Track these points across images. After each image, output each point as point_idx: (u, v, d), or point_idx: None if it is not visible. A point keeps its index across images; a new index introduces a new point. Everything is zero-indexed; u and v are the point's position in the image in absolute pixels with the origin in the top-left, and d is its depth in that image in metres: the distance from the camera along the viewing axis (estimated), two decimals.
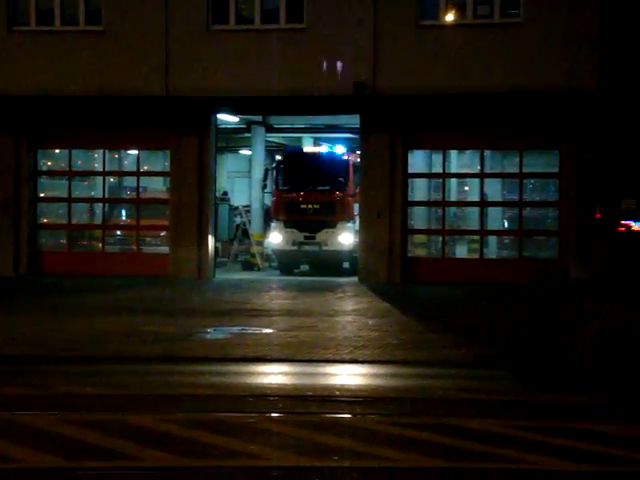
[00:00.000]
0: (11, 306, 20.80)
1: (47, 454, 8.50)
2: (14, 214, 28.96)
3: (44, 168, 30.77)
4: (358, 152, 29.83)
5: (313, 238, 30.25)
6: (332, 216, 30.14)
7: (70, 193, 30.13)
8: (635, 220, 32.22)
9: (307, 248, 30.41)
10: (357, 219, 29.91)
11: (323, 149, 32.72)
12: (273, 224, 31.07)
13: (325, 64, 27.18)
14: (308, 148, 33.91)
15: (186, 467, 8.26)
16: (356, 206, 30.14)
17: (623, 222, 31.42)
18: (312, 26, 27.43)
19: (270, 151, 36.37)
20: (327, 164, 30.88)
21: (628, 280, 26.50)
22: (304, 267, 32.18)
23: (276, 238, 30.65)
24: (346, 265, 30.67)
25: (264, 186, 32.14)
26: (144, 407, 10.58)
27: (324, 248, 30.20)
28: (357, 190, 29.94)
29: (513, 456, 8.55)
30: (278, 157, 32.01)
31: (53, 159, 31.27)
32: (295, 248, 30.39)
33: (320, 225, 30.10)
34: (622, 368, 13.56)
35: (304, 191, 30.46)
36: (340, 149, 31.72)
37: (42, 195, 30.26)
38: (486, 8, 27.21)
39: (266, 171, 31.99)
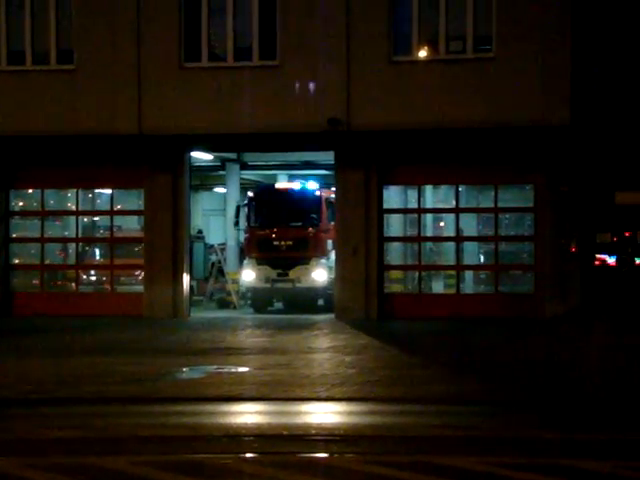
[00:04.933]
0: None
1: None
2: None
3: (16, 208, 30.52)
4: (332, 188, 29.75)
5: (286, 275, 30.01)
6: (305, 252, 29.94)
7: (43, 233, 29.88)
8: (610, 254, 32.32)
9: (280, 285, 30.14)
10: (331, 255, 29.76)
11: (295, 185, 32.58)
12: (246, 261, 30.83)
13: (298, 101, 27.15)
14: (279, 184, 33.72)
15: None
16: (329, 242, 30.00)
17: (598, 256, 31.51)
18: (285, 63, 27.41)
19: (245, 188, 36.26)
20: (299, 200, 30.72)
21: (604, 314, 26.47)
22: (278, 305, 31.95)
23: (249, 275, 30.39)
24: (320, 302, 30.46)
25: (236, 223, 31.96)
26: (118, 450, 10.37)
27: (297, 285, 29.95)
28: (330, 226, 29.81)
29: None
30: (250, 193, 31.84)
31: (25, 199, 31.03)
32: (268, 285, 30.11)
33: (293, 262, 29.89)
34: (605, 402, 13.45)
35: (276, 227, 30.26)
36: (312, 185, 31.61)
37: (14, 235, 29.99)
38: (458, 44, 27.25)
39: (238, 208, 31.79)
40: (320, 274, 29.89)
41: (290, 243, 29.95)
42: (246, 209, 31.21)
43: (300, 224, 30.24)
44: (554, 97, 26.11)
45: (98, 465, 9.56)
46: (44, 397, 13.96)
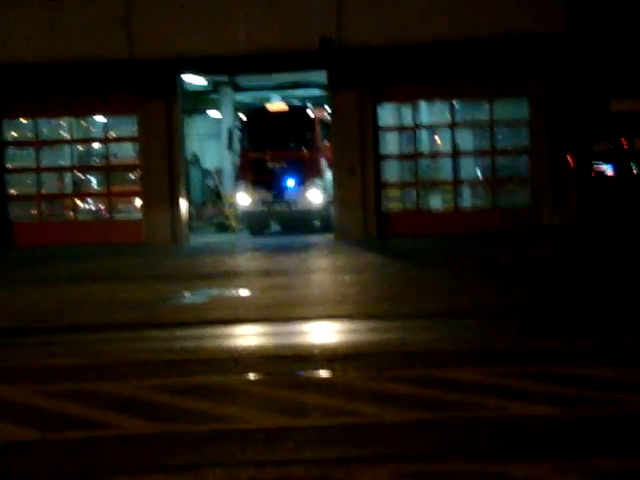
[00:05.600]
0: None
1: (20, 426, 8.33)
2: None
3: (10, 139, 30.36)
4: (325, 107, 29.54)
5: (282, 197, 29.94)
6: (299, 174, 29.82)
7: (38, 163, 29.77)
8: (606, 163, 32.20)
9: (276, 208, 30.10)
10: (325, 175, 29.69)
11: (287, 106, 32.28)
12: (241, 185, 30.75)
13: (290, 20, 26.83)
14: (271, 105, 33.38)
15: (166, 433, 8.13)
16: (324, 163, 29.90)
17: (595, 166, 31.40)
18: None
19: (239, 111, 36.03)
20: (291, 121, 30.51)
21: (602, 224, 26.52)
22: (275, 227, 31.94)
23: (244, 199, 30.31)
24: (317, 223, 30.44)
25: (229, 146, 31.80)
26: (122, 375, 10.44)
27: (293, 207, 29.91)
28: (324, 146, 29.68)
29: (496, 404, 8.47)
30: (241, 116, 31.59)
31: (19, 129, 30.85)
32: (264, 208, 30.07)
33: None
34: (606, 308, 13.54)
35: (269, 150, 30.06)
36: (305, 105, 31.36)
37: (9, 166, 29.88)
38: None
39: (230, 131, 31.61)
40: (315, 195, 29.82)
41: (284, 165, 29.83)
42: (239, 132, 31.05)
43: (293, 145, 30.07)
44: (547, 4, 25.81)
45: (104, 390, 9.62)
46: (46, 326, 14.03)
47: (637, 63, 28.54)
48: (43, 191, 30.03)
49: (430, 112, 30.63)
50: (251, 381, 10.08)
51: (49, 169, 30.79)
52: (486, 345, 11.50)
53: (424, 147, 30.20)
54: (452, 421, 8.11)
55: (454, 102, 28.54)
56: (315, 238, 28.36)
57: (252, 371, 10.47)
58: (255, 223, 30.79)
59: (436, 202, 29.84)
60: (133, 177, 29.71)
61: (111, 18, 27.32)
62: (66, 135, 30.21)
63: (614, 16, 28.41)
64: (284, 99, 36.22)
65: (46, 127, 30.71)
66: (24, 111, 29.52)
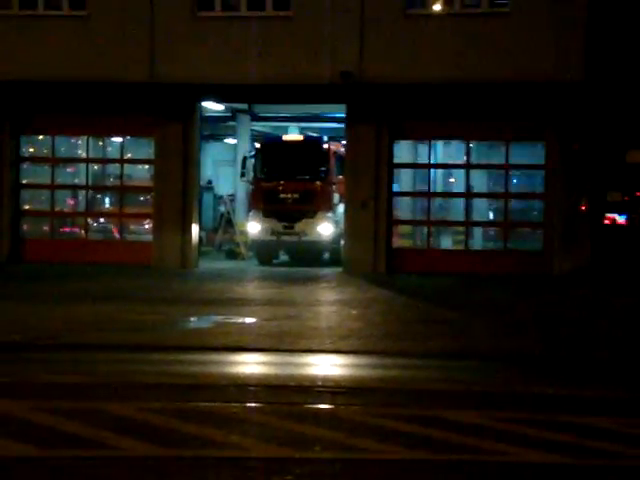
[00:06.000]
0: None
1: (18, 442, 8.32)
2: None
3: (26, 154, 30.49)
4: (339, 141, 29.61)
5: (292, 228, 29.91)
6: (311, 206, 29.83)
7: (53, 180, 29.89)
8: (620, 213, 32.25)
9: (286, 238, 30.08)
10: (337, 209, 29.73)
11: (302, 137, 32.35)
12: (252, 213, 30.76)
13: (311, 52, 26.98)
14: (287, 136, 33.45)
15: (165, 457, 8.11)
16: (336, 196, 29.95)
17: (608, 215, 31.43)
18: (298, 14, 27.22)
19: (256, 140, 36.17)
20: (306, 153, 30.55)
21: (612, 272, 26.48)
22: (284, 257, 31.94)
23: (255, 228, 30.30)
24: (326, 255, 30.43)
25: (242, 174, 31.89)
26: (123, 396, 10.44)
27: (303, 238, 29.90)
28: (337, 179, 29.75)
29: (495, 448, 8.44)
30: (257, 145, 31.67)
31: (36, 145, 30.99)
32: (274, 238, 30.06)
33: (299, 215, 29.79)
34: (607, 359, 13.50)
35: (283, 180, 30.10)
36: (320, 137, 31.48)
37: (24, 182, 30.00)
38: None
39: (244, 159, 31.68)
40: (326, 228, 29.82)
41: (296, 196, 29.85)
42: (253, 160, 31.14)
43: (307, 177, 30.11)
44: (568, 53, 25.92)
45: (105, 410, 9.62)
46: (51, 343, 14.05)
47: None
48: (56, 208, 30.13)
49: (446, 152, 30.70)
50: (253, 409, 10.07)
51: (63, 186, 30.89)
52: (488, 388, 11.47)
53: (438, 186, 30.25)
54: (452, 463, 8.09)
55: (470, 143, 28.60)
56: (323, 270, 28.36)
57: (254, 400, 10.47)
58: (264, 252, 30.78)
59: (447, 241, 29.83)
60: (144, 199, 29.79)
61: (134, 42, 27.50)
62: (82, 154, 30.33)
63: (634, 68, 28.53)
64: (301, 130, 36.35)
65: (63, 145, 30.85)
66: (42, 128, 29.65)
